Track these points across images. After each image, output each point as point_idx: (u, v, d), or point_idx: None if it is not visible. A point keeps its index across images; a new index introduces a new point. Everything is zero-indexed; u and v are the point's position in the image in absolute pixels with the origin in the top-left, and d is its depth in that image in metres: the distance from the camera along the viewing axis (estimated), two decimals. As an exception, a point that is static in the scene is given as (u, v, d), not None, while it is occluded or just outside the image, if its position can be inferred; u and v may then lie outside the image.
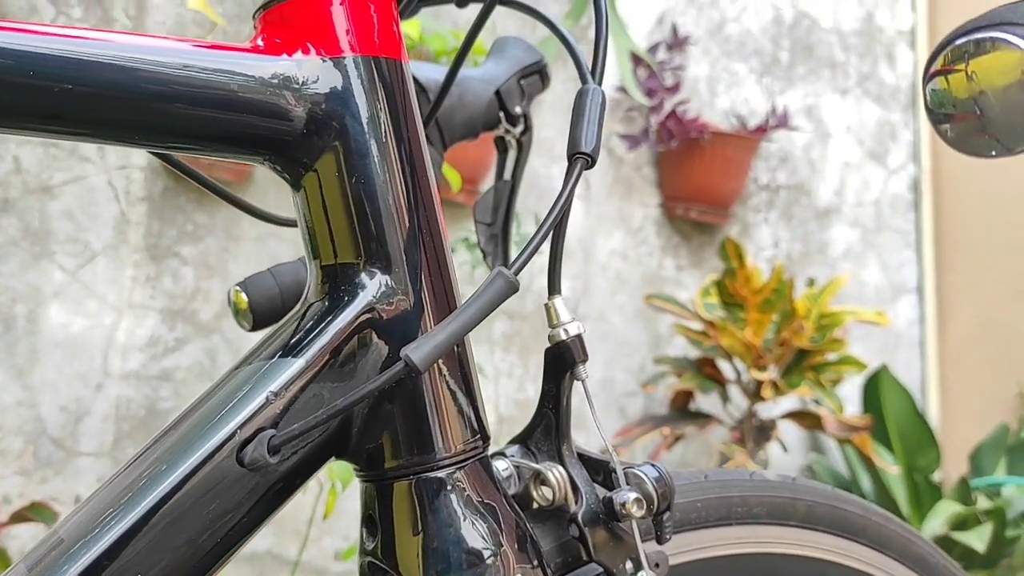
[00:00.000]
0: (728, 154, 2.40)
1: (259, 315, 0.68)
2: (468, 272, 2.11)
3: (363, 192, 0.44)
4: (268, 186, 2.04)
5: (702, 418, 2.14)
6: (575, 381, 0.48)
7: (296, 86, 0.43)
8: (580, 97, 0.47)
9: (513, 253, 0.74)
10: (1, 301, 1.83)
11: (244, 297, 0.69)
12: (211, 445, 0.40)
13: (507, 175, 0.76)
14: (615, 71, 2.33)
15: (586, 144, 0.46)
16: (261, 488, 0.41)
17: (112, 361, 1.92)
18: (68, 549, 0.38)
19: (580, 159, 0.46)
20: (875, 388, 2.40)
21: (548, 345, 0.48)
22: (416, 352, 0.40)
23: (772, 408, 2.30)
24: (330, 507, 1.58)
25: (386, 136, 0.45)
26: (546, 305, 0.48)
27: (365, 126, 0.44)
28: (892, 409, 2.34)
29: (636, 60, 2.34)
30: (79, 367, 1.89)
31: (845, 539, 0.63)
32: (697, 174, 2.40)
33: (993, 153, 0.44)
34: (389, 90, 0.45)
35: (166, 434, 0.42)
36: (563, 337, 0.48)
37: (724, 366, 2.18)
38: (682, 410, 2.15)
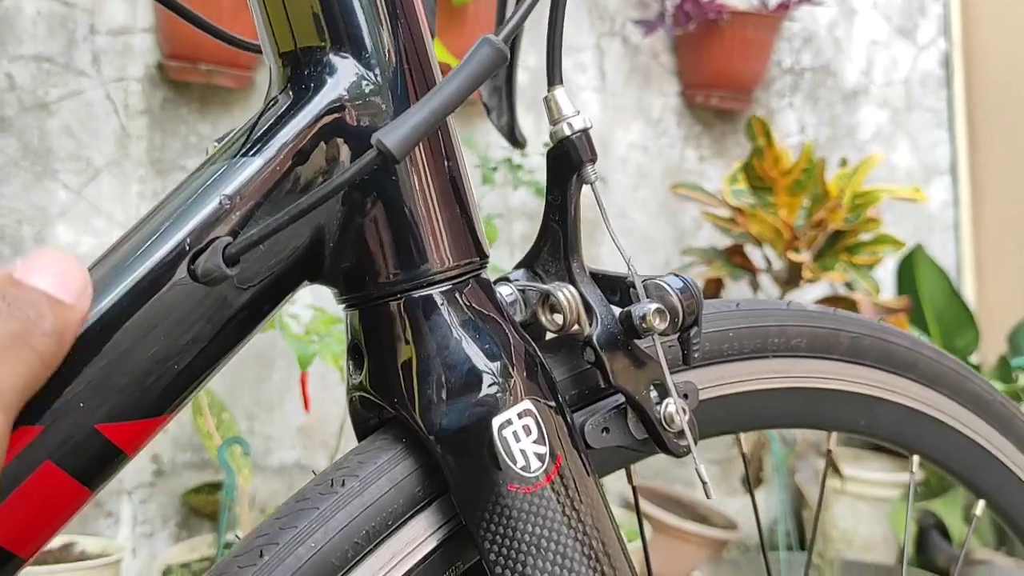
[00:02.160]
0: (749, 35, 2.28)
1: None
2: (508, 193, 2.03)
3: None
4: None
5: (733, 308, 2.08)
6: (583, 184, 0.42)
7: None
8: None
9: (519, 116, 0.68)
10: (7, 223, 1.79)
11: (223, 153, 0.63)
12: (160, 257, 0.35)
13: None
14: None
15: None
16: (221, 310, 0.36)
17: (125, 280, 1.88)
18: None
19: None
20: (910, 270, 2.32)
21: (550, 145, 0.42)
22: (390, 135, 0.33)
23: (803, 295, 2.23)
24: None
25: None
26: (545, 98, 0.42)
27: None
28: (928, 290, 2.26)
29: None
30: (92, 287, 1.86)
31: (893, 374, 0.57)
32: (717, 58, 2.29)
33: None
34: None
35: (113, 250, 0.36)
36: (567, 133, 0.41)
37: (754, 253, 2.11)
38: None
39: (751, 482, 0.64)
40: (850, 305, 2.08)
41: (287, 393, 1.96)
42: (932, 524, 2.07)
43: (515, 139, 0.69)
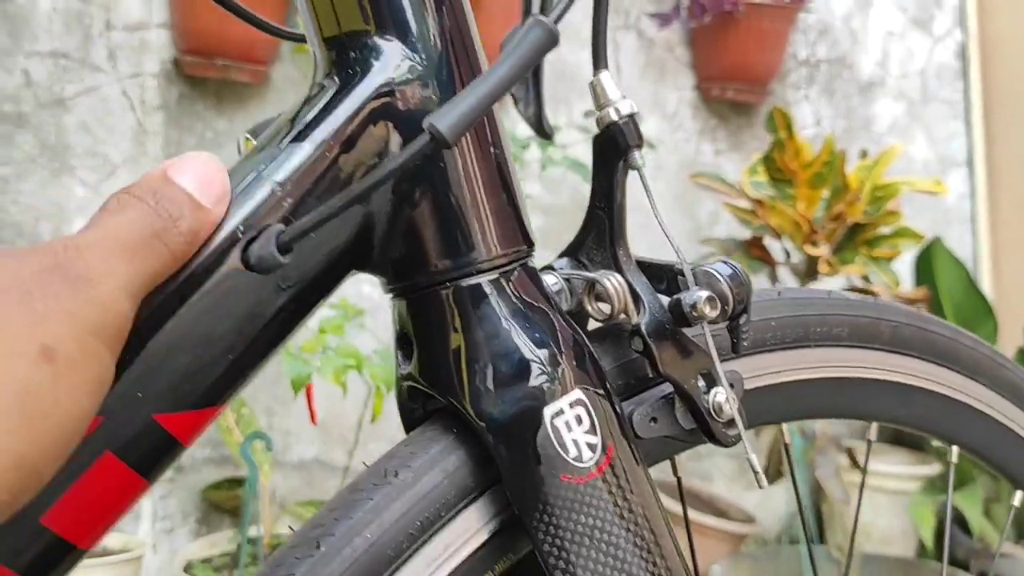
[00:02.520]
0: (764, 26, 2.26)
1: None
2: (537, 172, 2.02)
3: None
4: (287, 87, 1.96)
5: (750, 302, 2.07)
6: (630, 170, 0.41)
7: None
8: None
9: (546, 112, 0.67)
10: (25, 220, 1.80)
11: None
12: (213, 247, 0.34)
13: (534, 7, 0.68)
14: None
15: None
16: (273, 299, 0.36)
17: (143, 276, 1.89)
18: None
19: None
20: (927, 263, 2.30)
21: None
22: (442, 120, 0.33)
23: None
24: (377, 410, 1.55)
25: None
26: (591, 83, 0.41)
27: None
28: (946, 283, 2.24)
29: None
30: (110, 283, 1.86)
31: (933, 364, 0.56)
32: (732, 51, 2.28)
33: None
34: None
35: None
36: (613, 118, 0.41)
37: (773, 246, 2.10)
38: (729, 295, 2.08)
39: (789, 474, 0.63)
40: (870, 296, 2.07)
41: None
42: (952, 517, 2.06)
43: (543, 130, 0.68)
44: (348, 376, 1.42)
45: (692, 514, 2.00)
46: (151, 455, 0.33)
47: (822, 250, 1.96)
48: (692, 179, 2.20)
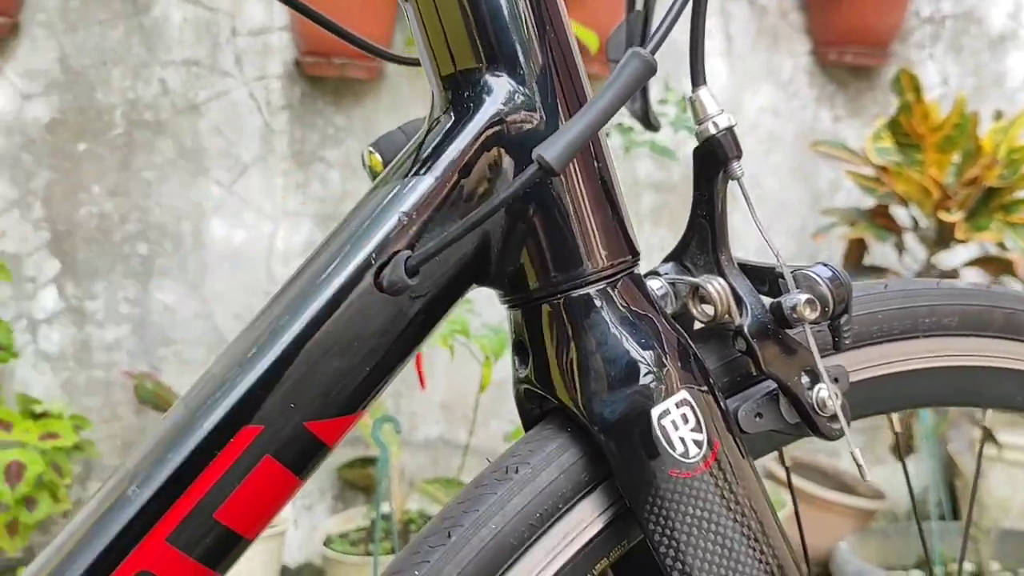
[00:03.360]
0: (883, -15, 2.18)
1: (394, 174, 0.66)
2: (621, 157, 2.04)
3: None
4: (400, 83, 2.03)
5: (877, 272, 2.01)
6: (729, 180, 0.44)
7: None
8: None
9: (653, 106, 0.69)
10: (168, 220, 1.93)
11: (378, 157, 0.68)
12: (349, 272, 0.39)
13: (639, 4, 0.70)
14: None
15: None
16: (404, 314, 0.40)
17: (274, 268, 2.00)
18: (221, 385, 0.38)
19: None
20: (1068, 226, 2.18)
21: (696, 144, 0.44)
22: (549, 150, 0.36)
23: (953, 257, 2.14)
24: (486, 379, 1.62)
25: None
26: (690, 98, 0.44)
27: None
28: (1090, 246, 2.12)
29: None
30: (245, 277, 1.98)
31: (1052, 349, 0.56)
32: (849, 12, 2.21)
33: None
34: None
35: (305, 267, 0.41)
36: (712, 132, 0.43)
37: (899, 214, 2.04)
38: (856, 266, 2.03)
39: (901, 450, 0.64)
40: (1005, 265, 1.98)
41: (429, 372, 2.04)
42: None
43: (649, 122, 0.70)
44: (462, 356, 1.49)
45: (817, 490, 1.98)
46: (303, 457, 0.38)
47: (956, 216, 1.89)
48: (811, 148, 2.15)
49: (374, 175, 0.68)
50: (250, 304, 1.98)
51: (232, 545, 0.37)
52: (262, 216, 1.98)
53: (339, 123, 2.03)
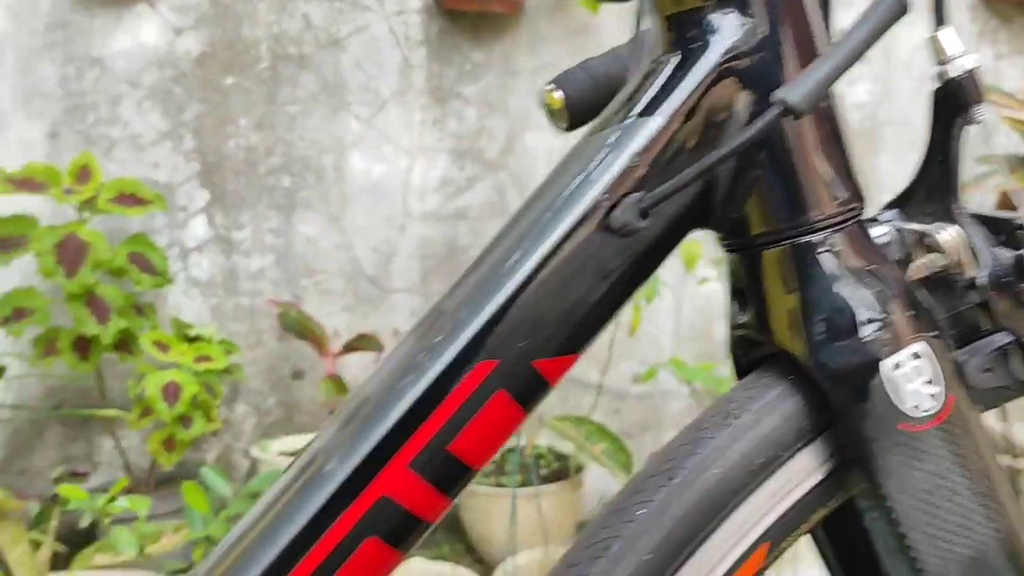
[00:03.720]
0: (1060, -89, 2.01)
1: (575, 113, 0.65)
2: None
3: None
4: (539, 16, 2.01)
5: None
6: (968, 125, 0.41)
7: None
8: None
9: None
10: (311, 154, 1.98)
11: (558, 96, 0.67)
12: (577, 213, 0.39)
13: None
14: None
15: None
16: (629, 256, 0.40)
17: (411, 203, 2.03)
18: (454, 320, 0.39)
19: None
20: None
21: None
22: (794, 91, 0.35)
23: (1118, 207, 2.00)
24: (635, 323, 1.60)
25: None
26: (931, 38, 0.41)
27: None
28: None
29: None
30: (383, 210, 2.02)
31: None
32: (1019, -59, 2.05)
33: None
34: None
35: (527, 208, 0.41)
36: (954, 74, 0.41)
37: (1060, 161, 1.91)
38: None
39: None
40: None
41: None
42: None
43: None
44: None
45: None
46: (529, 394, 0.39)
47: None
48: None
49: (552, 112, 0.68)
50: (387, 238, 2.02)
51: (463, 475, 0.38)
52: (399, 151, 2.01)
53: (477, 59, 2.02)
